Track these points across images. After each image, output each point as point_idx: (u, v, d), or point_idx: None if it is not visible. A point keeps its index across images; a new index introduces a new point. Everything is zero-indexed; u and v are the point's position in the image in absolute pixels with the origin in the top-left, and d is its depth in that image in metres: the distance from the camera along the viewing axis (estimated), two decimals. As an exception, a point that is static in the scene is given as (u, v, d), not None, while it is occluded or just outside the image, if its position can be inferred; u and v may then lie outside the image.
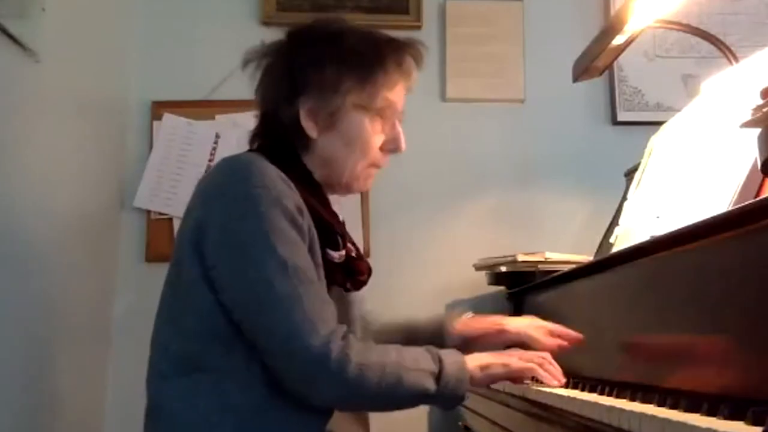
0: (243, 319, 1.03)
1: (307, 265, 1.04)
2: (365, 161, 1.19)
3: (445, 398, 1.04)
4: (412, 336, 1.31)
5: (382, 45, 1.19)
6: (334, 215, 1.19)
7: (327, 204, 1.19)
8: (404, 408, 1.07)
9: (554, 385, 1.09)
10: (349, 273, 1.16)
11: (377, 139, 1.20)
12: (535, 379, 1.12)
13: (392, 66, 1.19)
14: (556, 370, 1.13)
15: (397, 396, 1.02)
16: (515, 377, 1.12)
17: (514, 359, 1.12)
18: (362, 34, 1.20)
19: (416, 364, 1.04)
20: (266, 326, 1.00)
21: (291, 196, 1.06)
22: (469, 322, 1.33)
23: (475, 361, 1.08)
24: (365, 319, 1.37)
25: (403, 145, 1.23)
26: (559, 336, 1.23)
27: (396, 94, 1.20)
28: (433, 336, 1.29)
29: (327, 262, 1.11)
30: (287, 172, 1.09)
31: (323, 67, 1.15)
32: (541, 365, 1.12)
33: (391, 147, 1.22)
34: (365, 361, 1.00)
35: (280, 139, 1.18)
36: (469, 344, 1.27)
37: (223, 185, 1.07)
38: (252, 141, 1.23)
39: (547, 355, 1.15)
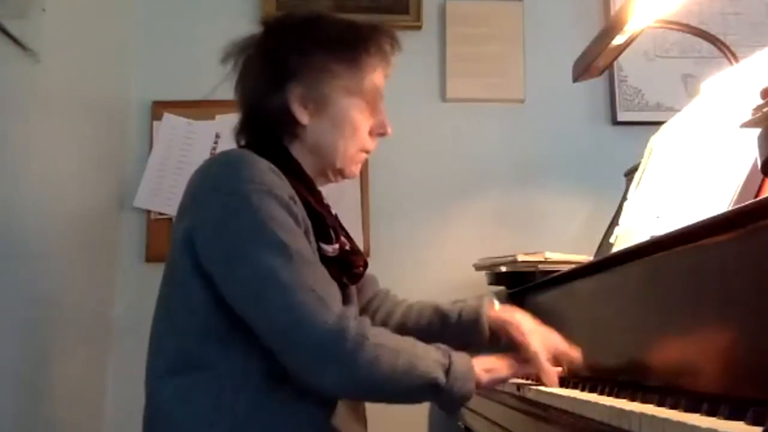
0: (248, 315, 1.01)
1: (308, 249, 1.04)
2: (355, 145, 1.20)
3: (451, 394, 1.02)
4: (445, 319, 1.30)
5: (363, 30, 1.20)
6: (326, 208, 1.19)
7: (318, 197, 1.18)
8: (410, 399, 1.05)
9: (553, 385, 1.09)
10: (344, 267, 1.16)
11: (366, 123, 1.21)
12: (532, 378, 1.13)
13: (374, 49, 1.20)
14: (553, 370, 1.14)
15: (407, 382, 1.00)
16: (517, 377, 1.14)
17: (516, 362, 1.13)
18: (342, 20, 1.22)
19: (428, 354, 1.03)
20: (274, 315, 0.98)
21: (283, 187, 1.06)
22: (500, 317, 1.26)
23: (480, 364, 1.08)
24: (387, 297, 1.38)
25: (390, 128, 1.24)
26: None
27: (379, 77, 1.21)
28: (467, 322, 1.27)
29: (321, 256, 1.11)
30: (277, 164, 1.09)
31: (310, 52, 1.16)
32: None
33: (379, 131, 1.23)
34: (381, 341, 0.99)
35: (267, 132, 1.18)
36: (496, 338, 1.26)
37: (214, 184, 1.07)
38: (238, 137, 1.23)
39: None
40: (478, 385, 1.06)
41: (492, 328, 1.25)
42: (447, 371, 1.02)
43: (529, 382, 1.18)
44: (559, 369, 1.14)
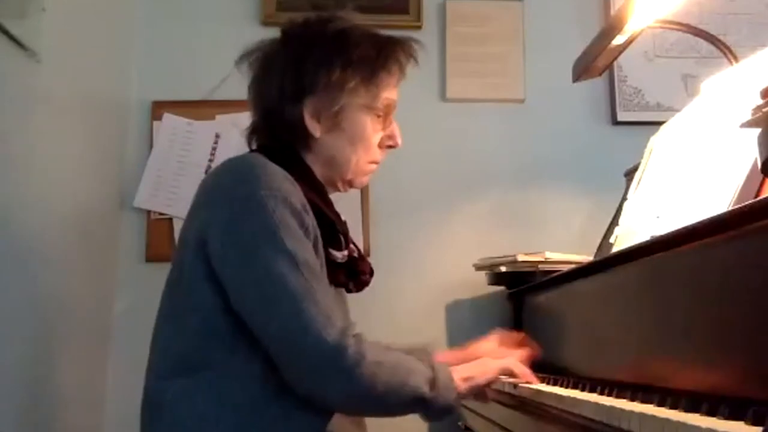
0: (253, 318, 1.02)
1: (315, 261, 1.04)
2: (366, 158, 1.22)
3: (436, 405, 1.04)
4: None
5: (385, 45, 1.21)
6: (337, 215, 1.20)
7: (330, 203, 1.19)
8: (399, 412, 1.07)
9: (534, 382, 1.14)
10: (351, 273, 1.17)
11: (377, 137, 1.22)
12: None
13: (394, 67, 1.21)
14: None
15: (399, 397, 1.02)
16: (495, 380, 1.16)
17: (491, 366, 1.15)
18: (365, 33, 1.21)
19: (417, 366, 1.05)
20: (279, 322, 0.99)
21: (296, 195, 1.06)
22: (447, 355, 1.29)
23: (458, 373, 1.10)
24: None
25: (400, 140, 1.25)
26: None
27: (394, 92, 1.23)
28: None
29: (330, 262, 1.11)
30: (290, 171, 1.09)
31: (331, 67, 1.16)
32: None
33: (389, 143, 1.24)
34: (378, 358, 1.01)
35: (281, 138, 1.18)
36: None
37: (229, 187, 1.07)
38: (250, 140, 1.23)
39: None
40: (458, 394, 1.08)
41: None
42: (432, 384, 1.04)
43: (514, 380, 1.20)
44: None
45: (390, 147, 1.25)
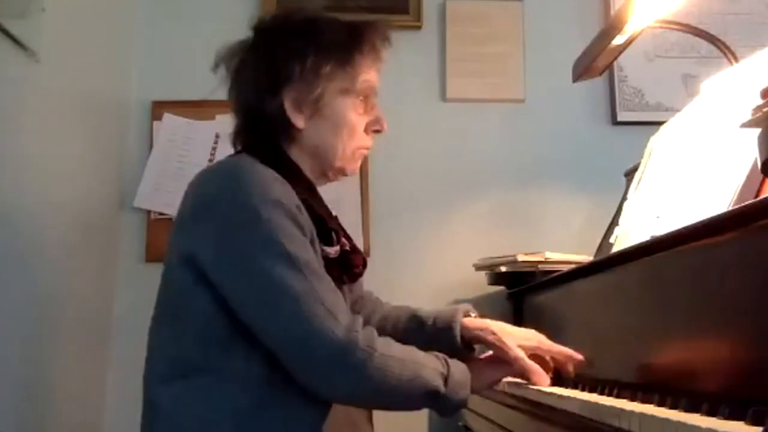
0: (258, 324, 1.01)
1: (314, 260, 1.04)
2: (353, 144, 1.20)
3: (450, 400, 1.05)
4: (420, 325, 1.28)
5: (356, 28, 1.20)
6: (327, 211, 1.19)
7: (319, 200, 1.19)
8: (411, 406, 1.07)
9: (544, 384, 1.12)
10: (344, 267, 1.16)
11: (362, 121, 1.21)
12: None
13: (367, 48, 1.20)
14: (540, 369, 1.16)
15: (411, 391, 1.02)
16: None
17: (504, 365, 1.16)
18: (333, 19, 1.22)
19: (429, 362, 1.05)
20: (286, 326, 0.99)
21: (289, 196, 1.06)
22: (475, 325, 1.24)
23: (472, 370, 1.10)
24: (367, 299, 1.38)
25: (385, 124, 1.24)
26: (562, 359, 1.18)
27: (372, 74, 1.21)
28: (441, 329, 1.24)
29: (323, 258, 1.11)
30: (279, 170, 1.09)
31: (304, 56, 1.15)
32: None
33: (374, 127, 1.23)
34: (388, 352, 1.01)
35: (265, 136, 1.18)
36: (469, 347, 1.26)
37: (219, 194, 1.06)
38: (235, 141, 1.23)
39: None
40: (472, 391, 1.09)
41: (465, 336, 1.22)
42: (446, 379, 1.04)
43: (525, 381, 1.19)
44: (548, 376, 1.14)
45: (376, 131, 1.24)
